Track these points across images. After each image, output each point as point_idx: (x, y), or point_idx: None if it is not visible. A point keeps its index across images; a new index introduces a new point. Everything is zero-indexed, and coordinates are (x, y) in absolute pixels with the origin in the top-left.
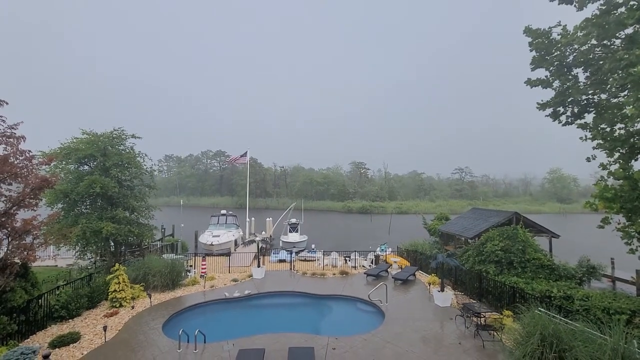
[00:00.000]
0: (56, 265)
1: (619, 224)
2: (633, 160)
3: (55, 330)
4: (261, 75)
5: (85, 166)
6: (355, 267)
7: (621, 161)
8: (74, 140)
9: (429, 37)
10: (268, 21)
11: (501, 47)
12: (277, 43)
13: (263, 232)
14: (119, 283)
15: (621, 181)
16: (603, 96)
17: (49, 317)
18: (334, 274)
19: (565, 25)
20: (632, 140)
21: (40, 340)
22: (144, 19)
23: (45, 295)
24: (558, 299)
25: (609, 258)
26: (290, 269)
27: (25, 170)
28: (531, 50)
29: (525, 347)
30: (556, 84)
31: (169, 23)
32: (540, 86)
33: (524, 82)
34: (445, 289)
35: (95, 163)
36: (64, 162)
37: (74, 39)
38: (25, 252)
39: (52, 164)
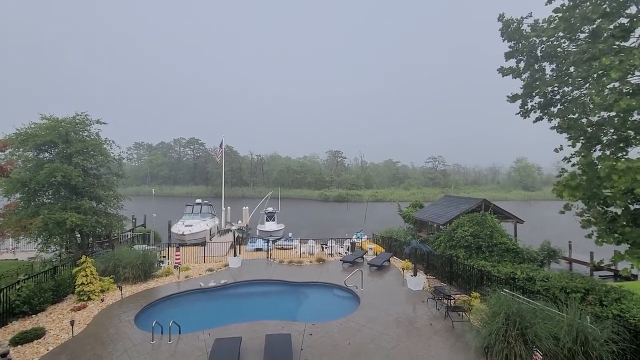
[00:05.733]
0: (16, 259)
1: (577, 208)
2: (592, 151)
3: (17, 326)
4: (239, 62)
5: (46, 153)
6: (331, 254)
7: (582, 150)
8: (32, 126)
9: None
10: (250, 5)
11: (483, 38)
12: (258, 33)
13: (239, 221)
14: (87, 276)
15: (581, 170)
16: (566, 89)
17: (10, 314)
18: (310, 262)
19: (537, 20)
20: (591, 130)
21: (0, 337)
22: None
23: (5, 290)
24: (521, 281)
25: (567, 242)
26: (267, 257)
27: None
28: (504, 40)
29: (491, 326)
30: (526, 75)
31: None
32: (511, 75)
33: (497, 70)
34: (418, 273)
35: (56, 150)
36: (21, 149)
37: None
38: None
39: (6, 151)
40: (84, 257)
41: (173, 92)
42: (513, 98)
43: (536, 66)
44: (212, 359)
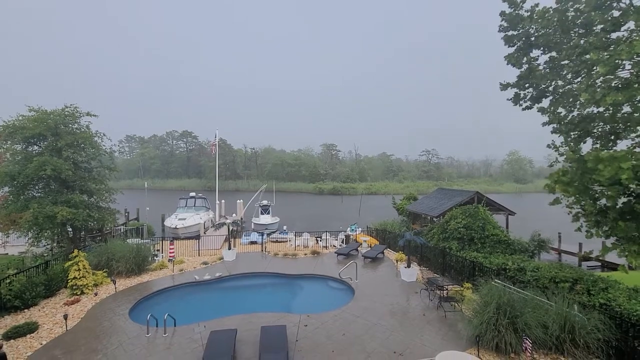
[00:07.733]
0: (6, 254)
1: (567, 201)
2: (582, 144)
3: (9, 321)
4: (231, 55)
5: (35, 146)
6: (326, 246)
7: (572, 144)
8: (20, 118)
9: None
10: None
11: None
12: (249, 25)
13: (234, 215)
14: (79, 270)
15: (571, 164)
16: (559, 82)
17: (1, 308)
18: (305, 254)
19: (538, 3)
20: (582, 124)
21: None
22: None
23: None
24: (512, 271)
25: (557, 233)
26: (262, 250)
27: None
28: (502, 21)
29: (483, 316)
30: (524, 64)
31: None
32: (512, 64)
33: (504, 57)
34: (411, 265)
35: (45, 143)
36: (8, 142)
37: None
38: None
39: None
40: (76, 251)
41: (166, 85)
42: (505, 86)
43: (531, 54)
44: (208, 350)
